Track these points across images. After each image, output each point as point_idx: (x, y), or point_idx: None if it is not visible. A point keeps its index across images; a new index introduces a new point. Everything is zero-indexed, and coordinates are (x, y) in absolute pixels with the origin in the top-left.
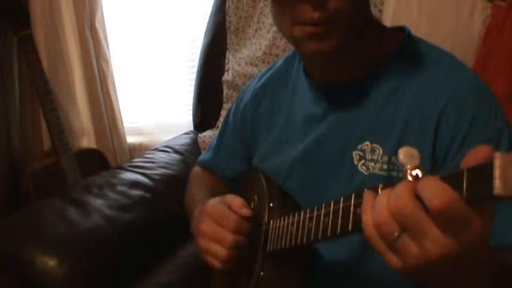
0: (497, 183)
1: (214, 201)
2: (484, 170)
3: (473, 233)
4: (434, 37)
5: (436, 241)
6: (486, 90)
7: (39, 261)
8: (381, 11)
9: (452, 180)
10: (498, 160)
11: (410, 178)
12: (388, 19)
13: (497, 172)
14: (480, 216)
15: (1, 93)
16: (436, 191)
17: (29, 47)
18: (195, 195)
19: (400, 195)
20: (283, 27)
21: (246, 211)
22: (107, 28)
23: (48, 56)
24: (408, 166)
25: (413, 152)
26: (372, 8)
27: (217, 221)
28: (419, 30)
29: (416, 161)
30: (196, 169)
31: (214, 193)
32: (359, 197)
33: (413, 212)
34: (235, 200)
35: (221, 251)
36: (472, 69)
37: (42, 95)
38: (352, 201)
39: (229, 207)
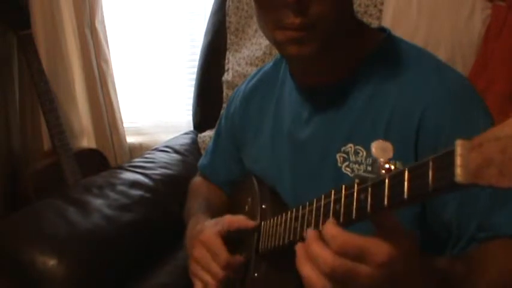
0: (458, 170)
1: (209, 227)
2: (447, 159)
3: (379, 258)
4: (434, 37)
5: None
6: (467, 90)
7: (39, 261)
8: (380, 11)
9: (419, 170)
10: (459, 148)
11: (383, 171)
12: (388, 19)
13: (458, 160)
14: (386, 241)
15: (1, 93)
16: (332, 236)
17: (29, 47)
18: (191, 208)
19: (319, 254)
20: (265, 30)
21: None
22: (107, 28)
23: (48, 56)
24: (381, 159)
25: (386, 145)
26: (372, 8)
27: (210, 251)
28: (419, 30)
29: (390, 154)
30: (197, 179)
31: (210, 203)
32: (338, 192)
33: (333, 261)
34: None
35: (211, 282)
36: (472, 69)
37: (42, 95)
38: (332, 197)
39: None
